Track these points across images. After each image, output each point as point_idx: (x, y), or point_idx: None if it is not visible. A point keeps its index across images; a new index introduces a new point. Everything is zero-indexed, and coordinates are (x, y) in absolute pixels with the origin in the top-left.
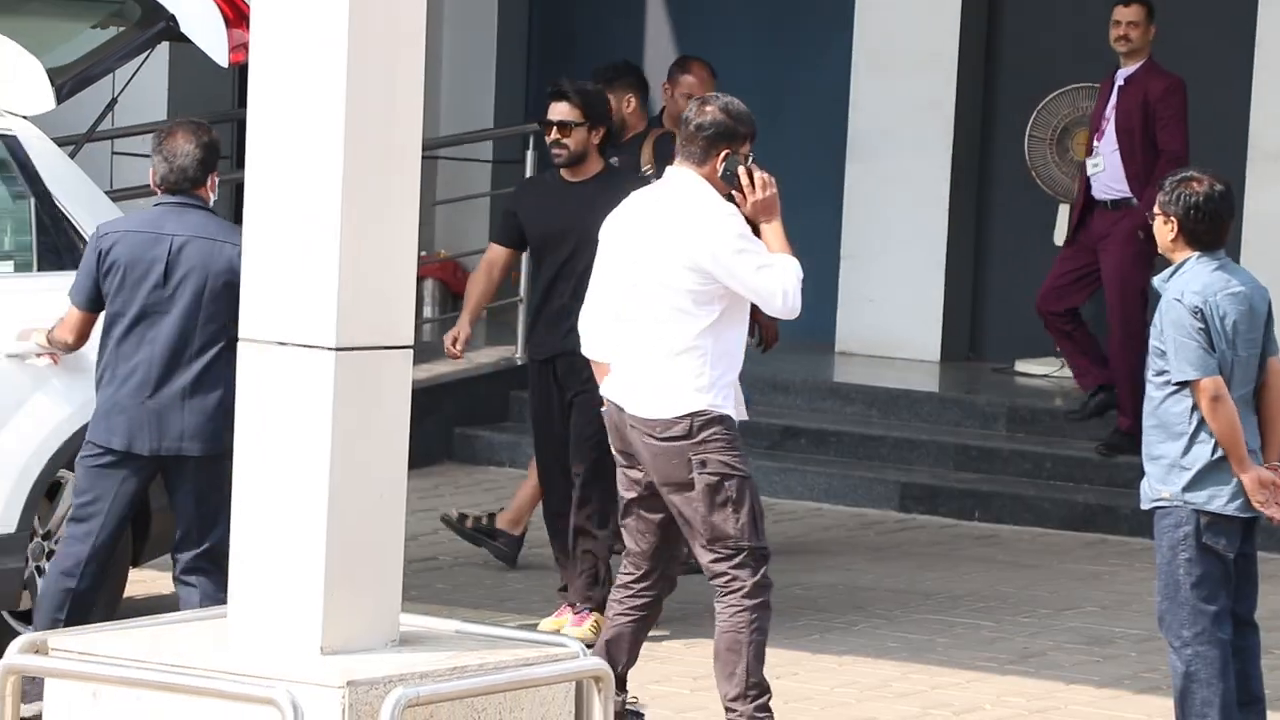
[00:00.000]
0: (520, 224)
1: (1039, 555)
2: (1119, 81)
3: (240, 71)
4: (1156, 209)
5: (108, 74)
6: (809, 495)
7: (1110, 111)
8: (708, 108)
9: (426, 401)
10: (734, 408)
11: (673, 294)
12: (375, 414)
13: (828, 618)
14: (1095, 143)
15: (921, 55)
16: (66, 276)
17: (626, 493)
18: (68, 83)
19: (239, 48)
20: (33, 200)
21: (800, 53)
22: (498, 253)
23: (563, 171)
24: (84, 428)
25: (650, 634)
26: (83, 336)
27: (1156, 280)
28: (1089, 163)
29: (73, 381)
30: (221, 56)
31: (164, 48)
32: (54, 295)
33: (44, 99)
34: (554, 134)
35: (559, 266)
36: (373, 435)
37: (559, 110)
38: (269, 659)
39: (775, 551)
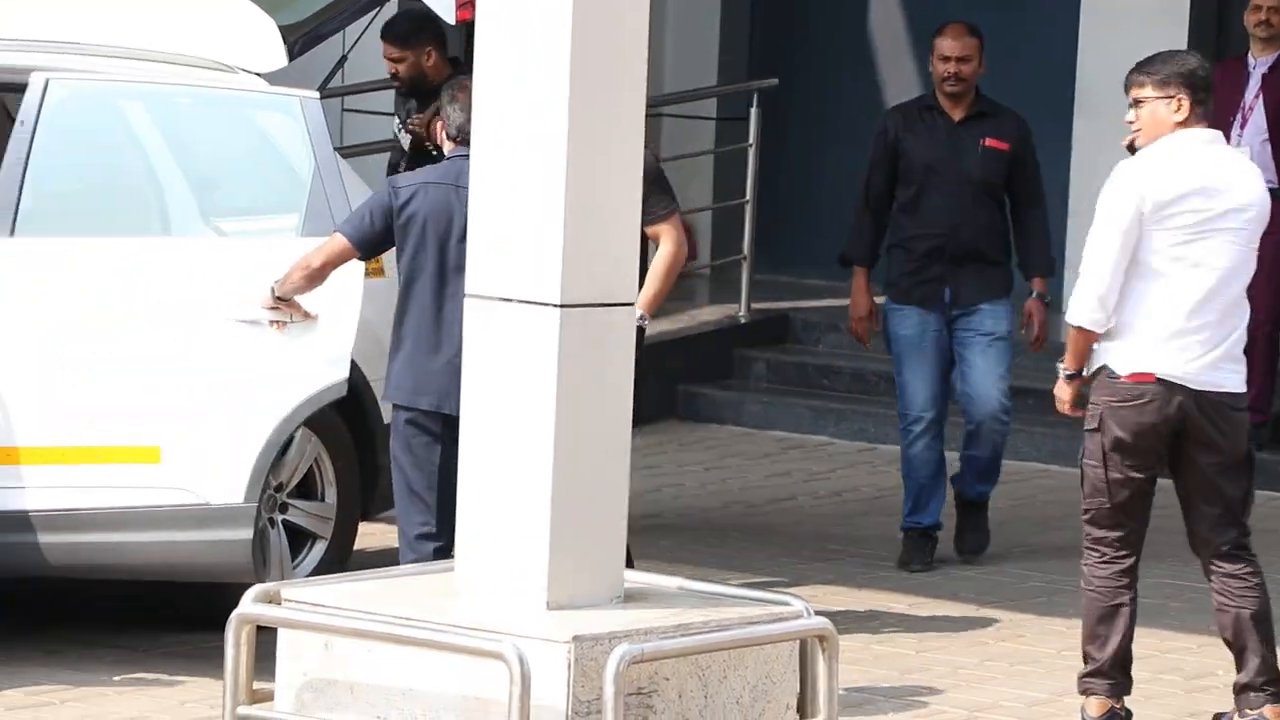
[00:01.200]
0: None
1: (1274, 520)
2: (1261, 69)
3: (467, 29)
4: None
5: (338, 31)
6: (1036, 456)
7: (1254, 100)
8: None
9: (650, 359)
10: None
11: (1251, 258)
12: (599, 371)
13: (1056, 580)
14: (1239, 131)
15: (1153, 6)
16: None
17: (1137, 474)
18: (299, 40)
19: (466, 5)
20: (309, 167)
21: (1027, 1)
22: None
23: None
24: (318, 393)
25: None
26: (330, 267)
27: None
28: None
29: (304, 346)
30: (449, 13)
31: (392, 5)
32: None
33: (276, 56)
34: None
35: None
36: (597, 392)
37: None
38: (495, 613)
39: (1001, 513)
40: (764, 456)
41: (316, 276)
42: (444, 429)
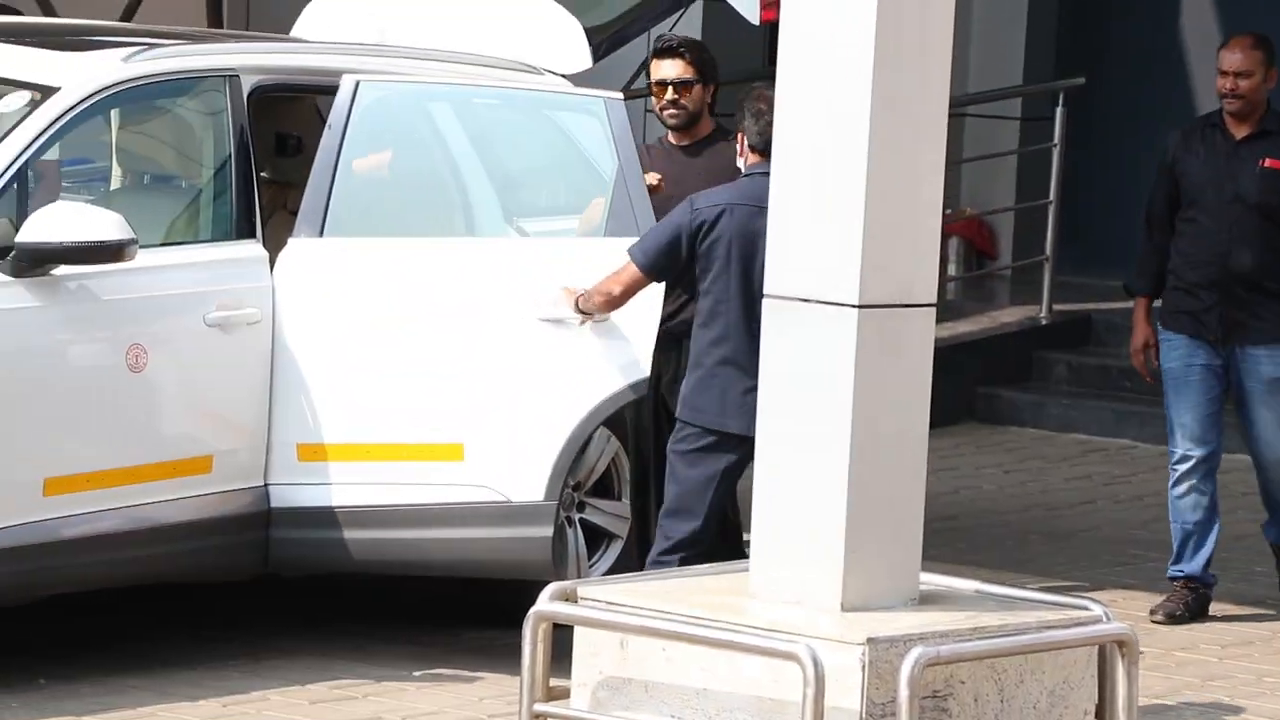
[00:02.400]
0: None
1: None
2: None
3: (771, 30)
4: None
5: (643, 33)
6: None
7: None
8: None
9: (949, 360)
10: None
11: None
12: (897, 372)
13: None
14: None
15: None
16: (624, 244)
17: None
18: (604, 42)
19: (770, 5)
20: (612, 167)
21: None
22: None
23: (671, 135)
24: (618, 392)
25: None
26: (629, 295)
27: None
28: None
29: (605, 346)
30: (753, 15)
31: (697, 6)
32: (609, 264)
33: (582, 58)
34: (669, 94)
35: None
36: (894, 393)
37: (673, 68)
38: (790, 614)
39: None
40: (1063, 459)
41: (616, 303)
42: (738, 448)
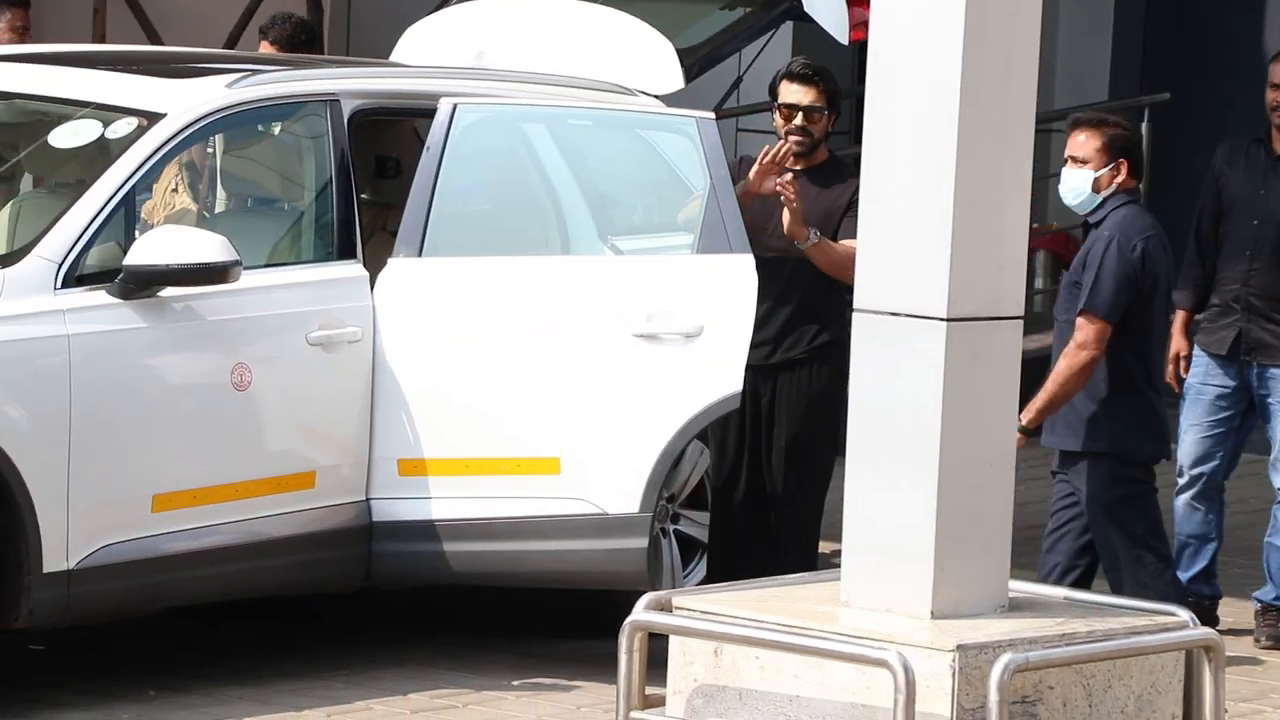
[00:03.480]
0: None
1: None
2: None
3: (860, 49)
4: None
5: (734, 54)
6: None
7: None
8: None
9: (1037, 372)
10: None
11: None
12: (985, 384)
13: None
14: None
15: None
16: (716, 260)
17: None
18: (696, 63)
19: (859, 25)
20: (704, 186)
21: None
22: None
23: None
24: (713, 405)
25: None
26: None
27: None
28: None
29: (699, 359)
30: (843, 35)
31: (787, 27)
32: (702, 280)
33: (674, 79)
34: (798, 120)
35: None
36: (983, 404)
37: (806, 95)
38: (880, 622)
39: None
40: None
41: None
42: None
